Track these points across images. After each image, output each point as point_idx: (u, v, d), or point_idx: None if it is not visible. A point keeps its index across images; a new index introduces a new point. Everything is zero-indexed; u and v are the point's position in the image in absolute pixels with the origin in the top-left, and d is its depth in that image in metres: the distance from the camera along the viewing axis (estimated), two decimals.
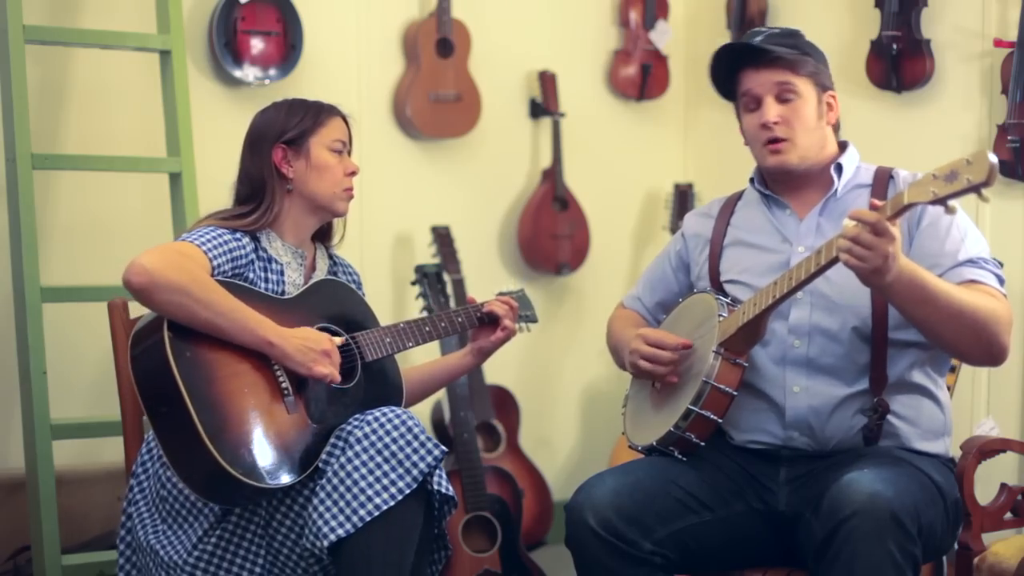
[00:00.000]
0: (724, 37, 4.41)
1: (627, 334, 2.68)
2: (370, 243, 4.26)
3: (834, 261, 2.31)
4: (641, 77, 4.66)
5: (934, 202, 2.16)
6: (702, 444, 2.51)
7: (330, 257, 2.78)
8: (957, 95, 3.86)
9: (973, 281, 2.43)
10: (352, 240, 4.13)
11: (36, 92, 3.64)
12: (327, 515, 2.39)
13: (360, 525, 2.38)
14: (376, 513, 2.38)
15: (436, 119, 4.28)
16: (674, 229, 4.51)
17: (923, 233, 2.49)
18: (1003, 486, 2.77)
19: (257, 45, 3.94)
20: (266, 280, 2.59)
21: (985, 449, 2.67)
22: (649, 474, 2.51)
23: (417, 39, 4.23)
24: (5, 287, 3.52)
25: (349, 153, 2.69)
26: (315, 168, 2.63)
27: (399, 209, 4.33)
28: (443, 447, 2.47)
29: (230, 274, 2.53)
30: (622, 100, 4.71)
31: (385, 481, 2.40)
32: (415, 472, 2.42)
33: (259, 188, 2.62)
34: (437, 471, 2.47)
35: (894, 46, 3.90)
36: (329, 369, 2.50)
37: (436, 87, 4.25)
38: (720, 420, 2.48)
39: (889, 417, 2.49)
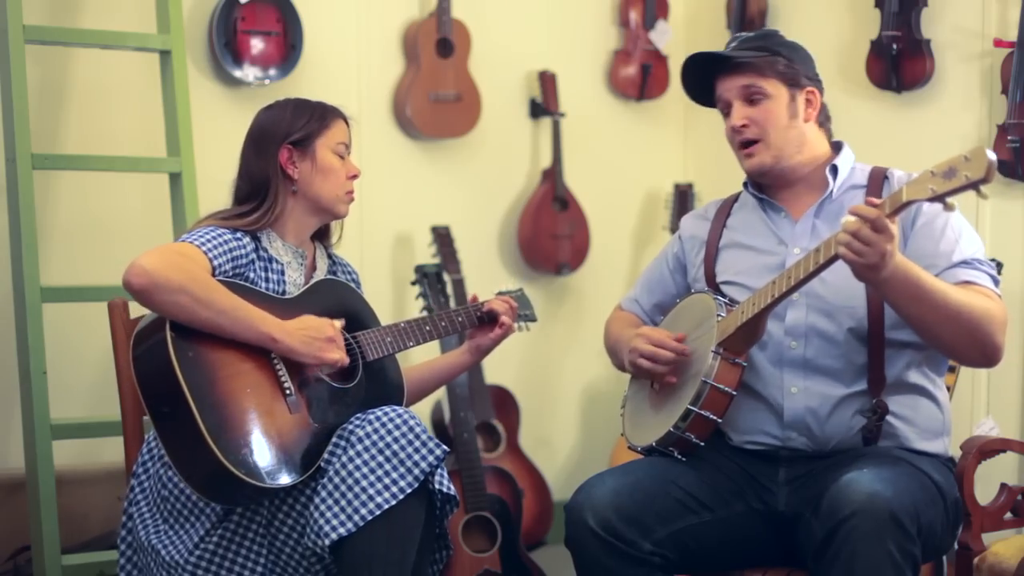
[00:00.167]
0: (724, 37, 4.41)
1: (626, 333, 2.68)
2: (370, 243, 4.26)
3: (832, 260, 2.31)
4: (641, 77, 4.66)
5: (933, 199, 2.17)
6: (702, 444, 2.51)
7: (329, 256, 2.78)
8: (957, 95, 3.86)
9: (968, 282, 2.43)
10: (352, 240, 4.15)
11: (36, 92, 3.64)
12: (328, 514, 2.39)
13: (361, 524, 2.38)
14: (377, 512, 2.39)
15: (436, 119, 4.28)
16: (674, 229, 4.51)
17: (918, 233, 2.49)
18: (1003, 486, 2.78)
19: (257, 45, 3.94)
20: (267, 280, 2.59)
21: (985, 449, 2.67)
22: (649, 474, 2.51)
23: (417, 39, 4.23)
24: (5, 287, 3.52)
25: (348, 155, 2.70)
26: (320, 170, 2.63)
27: (399, 209, 4.33)
28: (445, 447, 2.47)
29: (231, 274, 2.53)
30: (622, 100, 4.72)
31: (387, 480, 2.40)
32: (416, 472, 2.42)
33: (261, 187, 2.62)
34: (439, 471, 2.47)
35: (894, 46, 3.90)
36: (339, 354, 2.51)
37: (436, 87, 4.26)
38: (719, 420, 2.48)
39: (888, 417, 2.49)
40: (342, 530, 2.38)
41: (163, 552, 2.49)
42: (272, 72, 3.97)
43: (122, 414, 2.68)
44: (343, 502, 2.39)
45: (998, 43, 3.65)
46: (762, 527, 2.54)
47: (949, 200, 2.16)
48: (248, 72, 3.94)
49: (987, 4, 3.77)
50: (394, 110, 4.30)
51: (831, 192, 2.60)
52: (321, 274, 2.71)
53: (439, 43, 4.25)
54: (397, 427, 2.44)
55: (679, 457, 2.53)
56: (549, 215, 4.50)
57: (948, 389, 2.64)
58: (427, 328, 2.74)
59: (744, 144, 2.60)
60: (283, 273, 2.62)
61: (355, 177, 2.68)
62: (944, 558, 2.58)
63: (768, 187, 2.66)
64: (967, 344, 2.39)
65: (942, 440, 2.57)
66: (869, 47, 3.99)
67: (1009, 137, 3.61)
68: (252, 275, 2.57)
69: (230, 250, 2.53)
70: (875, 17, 3.96)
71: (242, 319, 2.45)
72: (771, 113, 2.58)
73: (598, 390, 4.67)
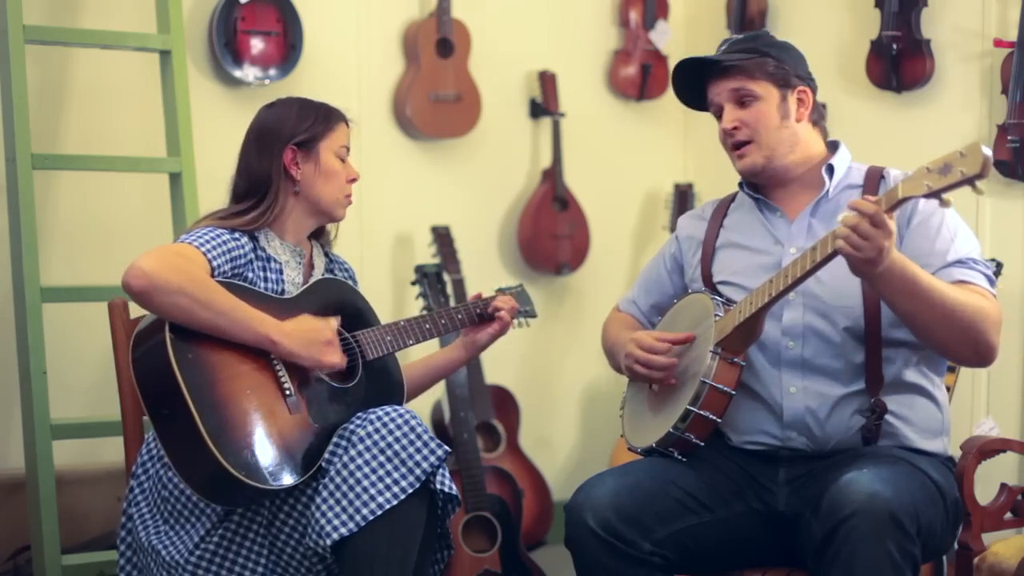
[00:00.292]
0: (724, 36, 4.40)
1: (622, 337, 2.68)
2: (370, 243, 4.26)
3: (828, 258, 2.32)
4: (641, 77, 4.66)
5: (928, 195, 2.17)
6: (701, 444, 2.51)
7: (326, 255, 2.78)
8: (957, 95, 3.86)
9: (963, 281, 2.43)
10: (352, 240, 4.15)
11: (36, 92, 3.64)
12: (330, 514, 2.39)
13: (363, 524, 2.38)
14: (379, 512, 2.38)
15: (436, 119, 4.28)
16: (674, 229, 4.51)
17: (913, 232, 2.49)
18: (1003, 486, 2.77)
19: (257, 45, 3.94)
20: (265, 280, 2.59)
21: (985, 449, 2.67)
22: (649, 475, 2.51)
23: (417, 39, 4.23)
24: (5, 287, 3.52)
25: None
26: (323, 173, 2.63)
27: (399, 209, 4.33)
28: (446, 447, 2.47)
29: (230, 274, 2.53)
30: (622, 100, 4.72)
31: (388, 480, 2.40)
32: (418, 472, 2.42)
33: (261, 186, 2.61)
34: (440, 470, 2.47)
35: (894, 46, 3.90)
36: (337, 357, 2.51)
37: (436, 87, 4.26)
38: (719, 420, 2.48)
39: (887, 417, 2.49)
40: (343, 530, 2.38)
41: (163, 552, 2.49)
42: (272, 72, 3.97)
43: (122, 414, 2.68)
44: (344, 502, 2.39)
45: (998, 43, 3.65)
46: (762, 527, 2.54)
47: (945, 196, 2.16)
48: (248, 72, 3.94)
49: (987, 4, 3.77)
50: (394, 110, 4.30)
51: (827, 191, 2.60)
52: (319, 273, 2.72)
53: (439, 43, 4.25)
54: (399, 427, 2.44)
55: (679, 457, 2.53)
56: (549, 215, 4.50)
57: (948, 389, 2.64)
58: (427, 326, 2.74)
59: (736, 146, 2.61)
60: (281, 272, 2.62)
61: (354, 180, 2.69)
62: (944, 558, 2.58)
63: (763, 187, 2.67)
64: (961, 342, 2.39)
65: (941, 439, 2.57)
66: (869, 47, 3.99)
67: (1009, 137, 3.61)
68: (251, 275, 2.57)
69: (229, 250, 2.53)
70: (875, 17, 3.96)
71: (241, 320, 2.45)
72: (762, 114, 2.58)
73: (598, 390, 4.67)
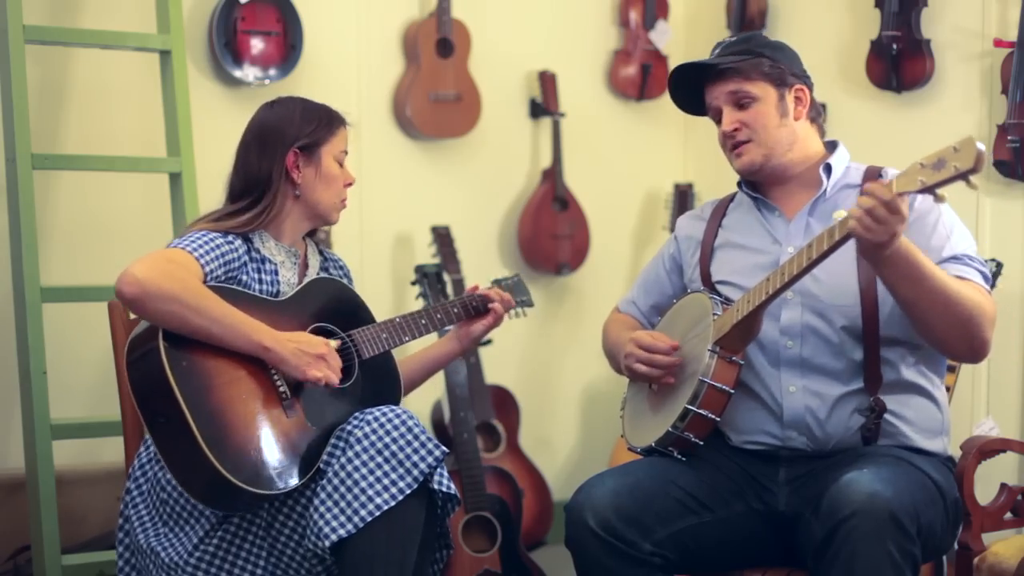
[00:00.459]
0: (724, 37, 4.41)
1: (622, 337, 2.68)
2: (370, 243, 4.26)
3: (824, 256, 2.32)
4: (641, 77, 4.66)
5: (922, 190, 2.18)
6: (701, 444, 2.50)
7: (320, 253, 2.77)
8: (957, 95, 3.86)
9: (959, 278, 2.44)
10: (352, 240, 4.16)
11: (36, 92, 3.64)
12: (328, 515, 2.39)
13: (361, 526, 2.38)
14: (377, 513, 2.38)
15: (436, 119, 4.28)
16: (674, 229, 4.51)
17: (910, 228, 2.47)
18: (1003, 486, 2.78)
19: (257, 45, 3.94)
20: (260, 281, 2.58)
21: (985, 449, 2.67)
22: (649, 475, 2.51)
23: (417, 39, 4.23)
24: (5, 287, 3.52)
25: None
26: (323, 178, 2.63)
27: (399, 209, 4.33)
28: (444, 447, 2.47)
29: (223, 278, 2.52)
30: (622, 100, 4.72)
31: (386, 481, 2.40)
32: (415, 472, 2.42)
33: (259, 187, 2.60)
34: (438, 470, 2.47)
35: (894, 46, 3.90)
36: (324, 372, 2.49)
37: (436, 87, 4.26)
38: (718, 419, 2.48)
39: (887, 416, 2.49)
40: (342, 531, 2.38)
41: (163, 554, 2.48)
42: (272, 72, 3.97)
43: (122, 414, 2.68)
44: (343, 503, 2.39)
45: (998, 43, 3.65)
46: (762, 527, 2.54)
47: (939, 191, 2.17)
48: (248, 72, 3.94)
49: (987, 4, 3.77)
50: (394, 110, 4.30)
51: (824, 191, 2.60)
52: (314, 271, 2.71)
53: (439, 43, 4.25)
54: (395, 427, 2.44)
55: (679, 457, 2.53)
56: (549, 215, 4.50)
57: (948, 389, 2.64)
58: (423, 322, 2.73)
59: (736, 146, 2.61)
60: (276, 273, 2.61)
61: (350, 185, 2.68)
62: (944, 558, 2.58)
63: (762, 186, 2.67)
64: (957, 335, 2.40)
65: (941, 439, 2.57)
66: (869, 47, 3.99)
67: (1009, 137, 3.61)
68: (245, 277, 2.56)
69: (222, 254, 2.52)
70: (875, 17, 3.96)
71: (234, 327, 2.44)
72: (761, 115, 2.59)
73: (598, 390, 4.67)
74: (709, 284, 2.66)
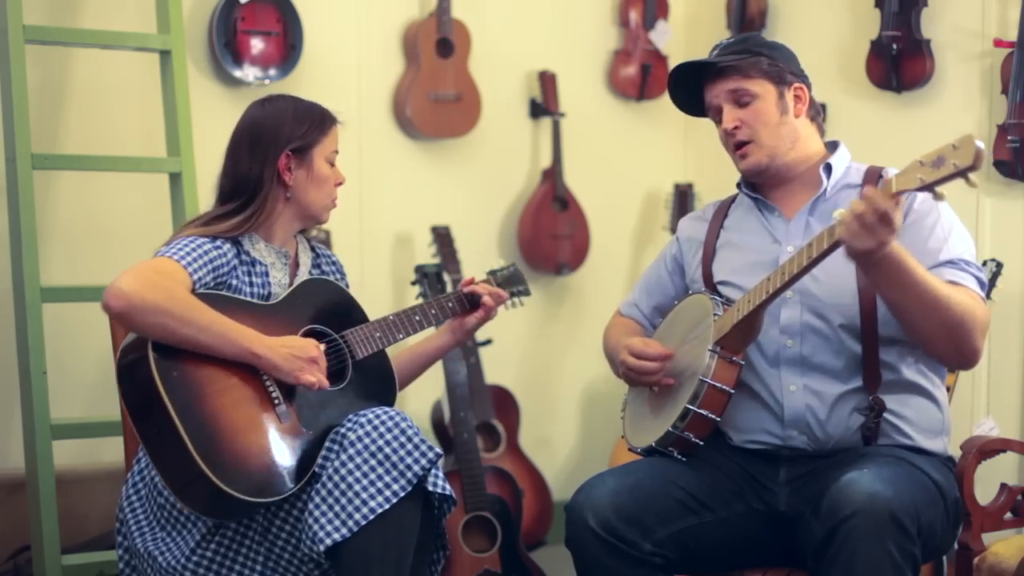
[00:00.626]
0: (724, 37, 4.41)
1: (620, 343, 2.69)
2: (370, 243, 4.26)
3: (824, 255, 2.33)
4: (641, 77, 4.66)
5: (921, 188, 2.18)
6: (701, 444, 2.51)
7: (312, 249, 2.76)
8: (957, 95, 3.86)
9: (953, 283, 2.43)
10: (352, 240, 4.16)
11: (36, 92, 3.64)
12: (323, 520, 2.38)
13: (356, 529, 2.37)
14: (372, 516, 2.37)
15: (436, 119, 4.28)
16: (674, 229, 4.51)
17: (907, 229, 2.49)
18: (1003, 486, 2.78)
19: (257, 45, 3.94)
20: (251, 284, 2.57)
21: (985, 449, 2.68)
22: (649, 475, 2.51)
23: (417, 39, 4.23)
24: (5, 287, 3.52)
25: None
26: (315, 179, 2.61)
27: (399, 209, 4.33)
28: (438, 449, 2.45)
29: (212, 285, 2.50)
30: (622, 100, 4.72)
31: (380, 484, 2.39)
32: (409, 475, 2.41)
33: (250, 189, 2.57)
34: (433, 471, 2.46)
35: (894, 46, 3.90)
36: (316, 376, 2.47)
37: (436, 87, 4.26)
38: (718, 419, 2.48)
39: (887, 415, 2.49)
40: (337, 536, 2.37)
41: (160, 558, 2.48)
42: (272, 72, 3.97)
43: (122, 414, 2.68)
44: (337, 507, 2.38)
45: (998, 43, 3.65)
46: (762, 527, 2.54)
47: (939, 189, 2.17)
48: (248, 72, 3.94)
49: (987, 4, 3.77)
50: (394, 110, 4.30)
51: (824, 191, 2.60)
52: (305, 270, 2.69)
53: (439, 43, 4.25)
54: (389, 430, 2.43)
55: (679, 457, 2.53)
56: (549, 215, 4.50)
57: (948, 389, 2.64)
58: (416, 319, 2.71)
59: (738, 146, 2.61)
60: (267, 275, 2.60)
61: (340, 184, 2.67)
62: (944, 558, 2.58)
63: (762, 186, 2.67)
64: (945, 341, 2.39)
65: (941, 439, 2.57)
66: (869, 47, 3.99)
67: (1009, 137, 3.61)
68: (235, 282, 2.54)
69: (210, 260, 2.49)
70: (875, 17, 3.96)
71: (223, 335, 2.42)
72: (761, 113, 2.59)
73: (598, 390, 4.67)
74: (710, 285, 2.66)
